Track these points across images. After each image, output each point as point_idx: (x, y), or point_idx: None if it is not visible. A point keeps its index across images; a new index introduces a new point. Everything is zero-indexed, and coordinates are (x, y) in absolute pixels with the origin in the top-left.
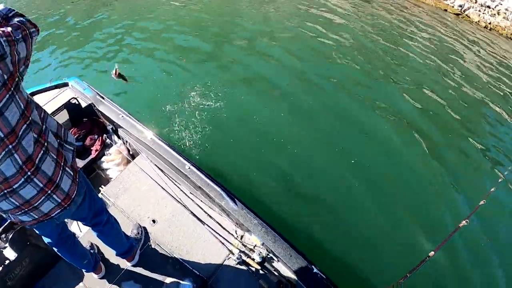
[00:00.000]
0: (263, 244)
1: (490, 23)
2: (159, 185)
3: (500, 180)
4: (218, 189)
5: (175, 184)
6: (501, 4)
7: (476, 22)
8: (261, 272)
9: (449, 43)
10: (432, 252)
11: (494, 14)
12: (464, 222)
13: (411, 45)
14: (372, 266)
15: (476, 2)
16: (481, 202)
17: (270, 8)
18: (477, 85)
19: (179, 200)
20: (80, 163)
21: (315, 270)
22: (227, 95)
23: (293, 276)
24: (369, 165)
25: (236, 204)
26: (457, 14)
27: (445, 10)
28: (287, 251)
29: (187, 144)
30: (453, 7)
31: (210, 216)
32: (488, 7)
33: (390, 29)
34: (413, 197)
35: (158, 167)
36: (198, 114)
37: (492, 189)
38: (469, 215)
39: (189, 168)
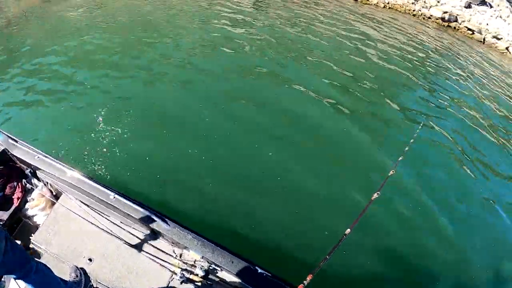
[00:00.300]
0: (202, 257)
1: (388, 3)
2: (88, 221)
3: (406, 149)
4: (147, 212)
5: (104, 217)
6: None
7: (375, 4)
8: (207, 285)
9: (354, 25)
10: (348, 230)
11: None
12: (375, 194)
13: (318, 32)
14: (300, 251)
15: None
16: (391, 173)
17: (175, 11)
18: (385, 57)
19: (111, 233)
20: (4, 215)
21: (259, 270)
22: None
23: (239, 281)
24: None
25: (168, 224)
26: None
27: None
28: (228, 258)
29: (105, 172)
30: None
31: (146, 241)
32: None
33: (297, 19)
34: (331, 173)
35: (83, 203)
36: (107, 139)
37: (400, 158)
38: (380, 187)
39: (114, 197)
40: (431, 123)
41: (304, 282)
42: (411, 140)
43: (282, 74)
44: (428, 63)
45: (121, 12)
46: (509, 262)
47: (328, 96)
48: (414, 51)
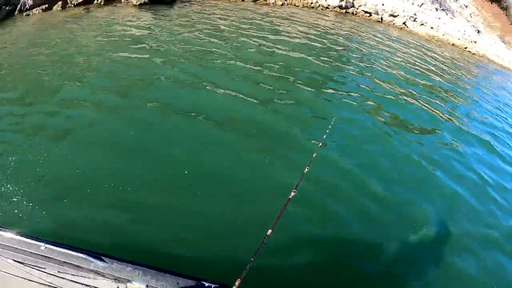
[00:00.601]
0: (147, 286)
1: (286, 0)
2: (22, 278)
3: (319, 145)
4: (82, 255)
5: (39, 270)
6: None
7: (273, 3)
8: None
9: (259, 23)
10: (270, 231)
11: None
12: (292, 193)
13: (224, 36)
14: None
15: None
16: (305, 170)
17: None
18: (293, 48)
19: (49, 285)
20: None
21: (206, 284)
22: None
23: None
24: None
25: (105, 261)
26: (255, 0)
27: (243, 0)
28: (173, 280)
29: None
30: None
31: (87, 285)
32: None
33: (202, 26)
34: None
35: (13, 260)
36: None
37: (314, 155)
38: (296, 185)
39: (45, 247)
40: (345, 100)
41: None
42: (324, 136)
43: (197, 80)
44: (334, 47)
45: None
46: (440, 200)
47: (246, 91)
48: (319, 38)
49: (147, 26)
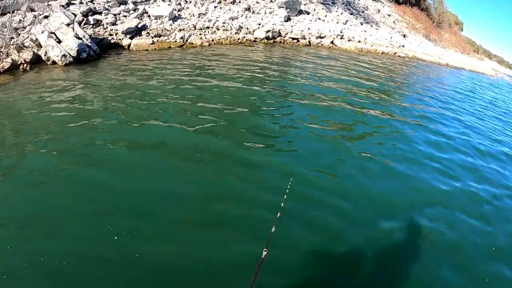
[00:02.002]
0: None
1: (212, 40)
2: None
3: (283, 201)
4: None
5: None
6: (218, 21)
7: (200, 44)
8: None
9: (190, 66)
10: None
11: (215, 31)
12: (264, 252)
13: (160, 82)
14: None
15: (195, 29)
16: (273, 230)
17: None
18: (229, 83)
19: None
20: None
21: None
22: None
23: None
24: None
25: None
26: (181, 45)
27: (169, 47)
28: None
29: None
30: (175, 41)
31: None
32: (207, 28)
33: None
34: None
35: None
36: None
37: (278, 215)
38: (266, 244)
39: None
40: (291, 123)
41: None
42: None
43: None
44: (270, 75)
45: None
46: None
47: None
48: (253, 69)
49: (78, 86)
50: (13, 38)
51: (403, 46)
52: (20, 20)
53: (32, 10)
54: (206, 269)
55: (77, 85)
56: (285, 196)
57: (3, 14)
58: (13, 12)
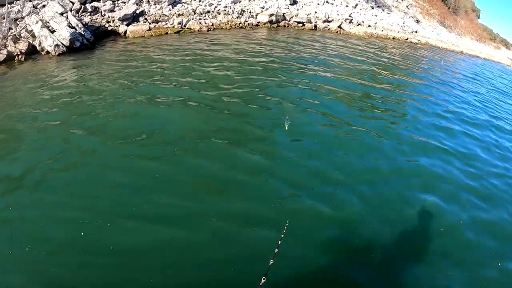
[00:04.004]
0: None
1: (212, 25)
2: None
3: (286, 227)
4: None
5: None
6: (219, 4)
7: (198, 29)
8: None
9: (193, 52)
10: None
11: (216, 16)
12: (263, 280)
13: (163, 67)
14: None
15: (195, 13)
16: (271, 262)
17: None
18: (236, 68)
19: None
20: None
21: None
22: None
23: None
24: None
25: None
26: (179, 31)
27: (166, 33)
28: None
29: None
30: (173, 27)
31: None
32: (208, 12)
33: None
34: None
35: None
36: None
37: (279, 241)
38: (265, 272)
39: None
40: (298, 108)
41: None
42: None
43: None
44: (274, 60)
45: None
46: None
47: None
48: (258, 54)
49: (67, 76)
50: (11, 29)
51: (416, 31)
52: (19, 10)
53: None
54: None
55: (68, 75)
56: None
57: (2, 5)
58: (11, 2)
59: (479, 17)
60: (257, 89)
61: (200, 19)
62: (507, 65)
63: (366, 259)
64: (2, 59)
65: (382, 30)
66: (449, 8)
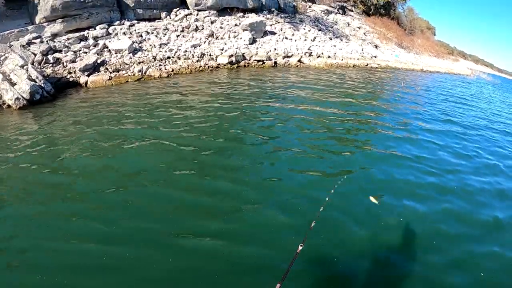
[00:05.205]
0: None
1: (172, 70)
2: None
3: (327, 199)
4: None
5: None
6: (179, 50)
7: (159, 76)
8: None
9: (154, 103)
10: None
11: (176, 61)
12: (300, 247)
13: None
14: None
15: (155, 60)
16: (312, 224)
17: None
18: (199, 115)
19: None
20: None
21: None
22: None
23: None
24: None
25: None
26: (139, 79)
27: (127, 81)
28: None
29: None
30: (133, 75)
31: None
32: (168, 58)
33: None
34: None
35: None
36: None
37: (321, 209)
38: (303, 240)
39: None
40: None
41: None
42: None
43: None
44: (235, 97)
45: None
46: None
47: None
48: (217, 94)
49: (35, 129)
50: None
51: (375, 56)
52: None
53: None
54: None
55: (27, 129)
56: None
57: None
58: None
59: (435, 34)
60: (218, 124)
61: (160, 65)
62: (467, 75)
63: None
64: None
65: (342, 59)
66: (405, 29)
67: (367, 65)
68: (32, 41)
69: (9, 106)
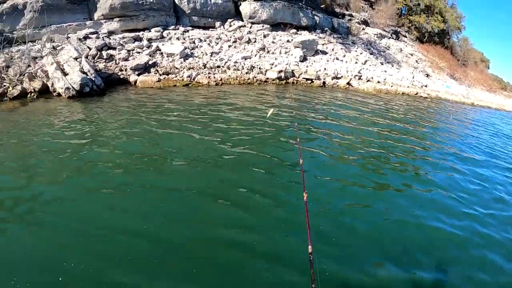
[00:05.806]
0: None
1: (221, 79)
2: None
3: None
4: None
5: None
6: (230, 60)
7: (207, 83)
8: None
9: (200, 109)
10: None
11: (225, 70)
12: (304, 194)
13: (172, 125)
14: None
15: (205, 68)
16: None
17: None
18: (241, 128)
19: None
20: None
21: None
22: None
23: None
24: None
25: None
26: (187, 84)
27: (175, 85)
28: None
29: None
30: (182, 79)
31: None
32: (218, 67)
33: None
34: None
35: None
36: None
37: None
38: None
39: None
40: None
41: None
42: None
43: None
44: (283, 119)
45: None
46: None
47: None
48: (269, 106)
49: (80, 119)
50: (30, 66)
51: (425, 86)
52: (39, 49)
53: (52, 40)
54: None
55: (74, 118)
56: None
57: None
58: (34, 41)
59: (488, 68)
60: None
61: (209, 73)
62: None
63: None
64: (16, 94)
65: (392, 86)
66: (458, 60)
67: (416, 93)
68: (89, 35)
69: (59, 94)
